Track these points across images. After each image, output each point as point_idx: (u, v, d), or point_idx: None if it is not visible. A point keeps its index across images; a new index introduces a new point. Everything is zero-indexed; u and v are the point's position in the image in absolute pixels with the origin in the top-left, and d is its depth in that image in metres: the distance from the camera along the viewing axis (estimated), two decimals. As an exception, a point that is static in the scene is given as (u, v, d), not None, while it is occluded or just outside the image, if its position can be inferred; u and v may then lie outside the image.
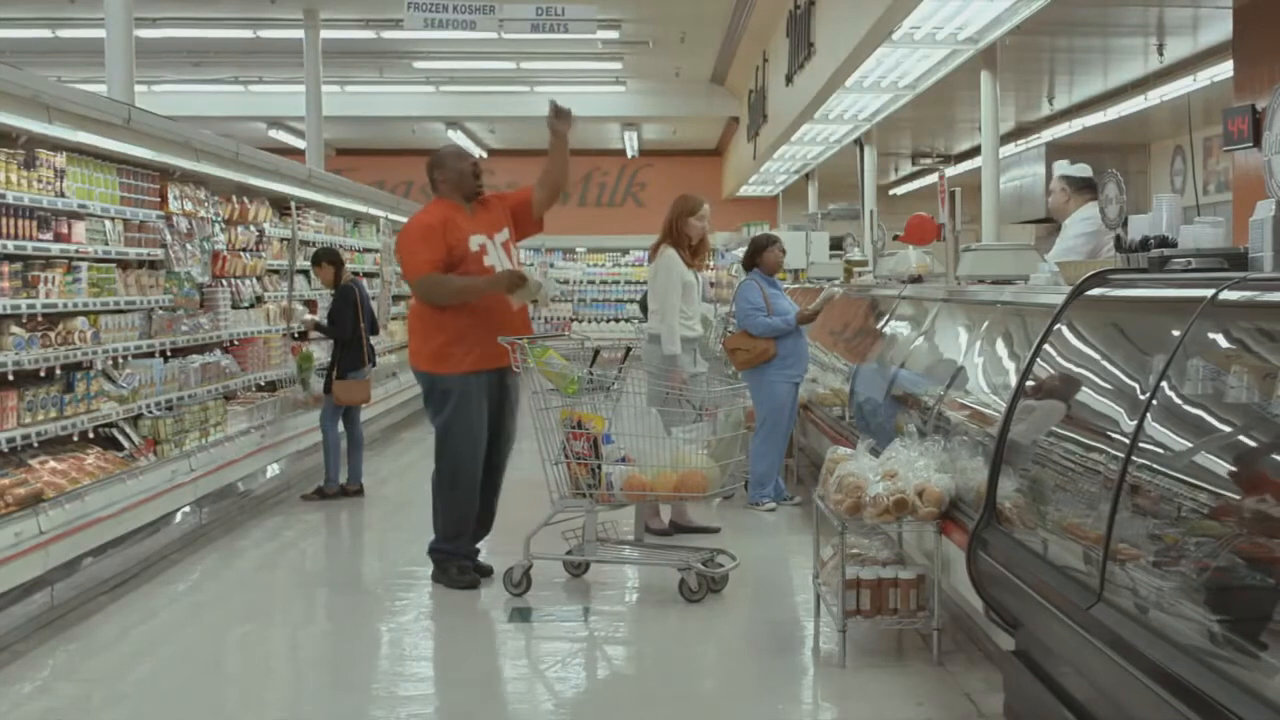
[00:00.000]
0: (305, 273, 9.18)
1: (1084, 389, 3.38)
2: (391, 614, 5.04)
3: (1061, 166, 5.74)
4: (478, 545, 5.50)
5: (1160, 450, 2.75)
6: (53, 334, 5.19)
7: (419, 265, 5.30)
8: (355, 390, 7.46)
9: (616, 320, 20.80)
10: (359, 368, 7.52)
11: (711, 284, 10.29)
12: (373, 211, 11.19)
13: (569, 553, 5.35)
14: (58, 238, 5.30)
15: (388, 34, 13.07)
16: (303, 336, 8.26)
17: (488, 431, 5.35)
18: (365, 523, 7.26)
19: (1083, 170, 5.68)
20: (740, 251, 11.09)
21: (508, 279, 5.25)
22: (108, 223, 5.76)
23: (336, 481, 7.48)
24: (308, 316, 8.14)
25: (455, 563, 5.33)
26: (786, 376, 6.93)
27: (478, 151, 20.65)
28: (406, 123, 18.29)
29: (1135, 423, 2.84)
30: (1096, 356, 3.49)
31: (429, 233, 5.31)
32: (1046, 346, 3.65)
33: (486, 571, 5.41)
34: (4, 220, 4.85)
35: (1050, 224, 12.05)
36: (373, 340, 7.85)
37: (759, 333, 6.92)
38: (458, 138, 19.10)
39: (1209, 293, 2.81)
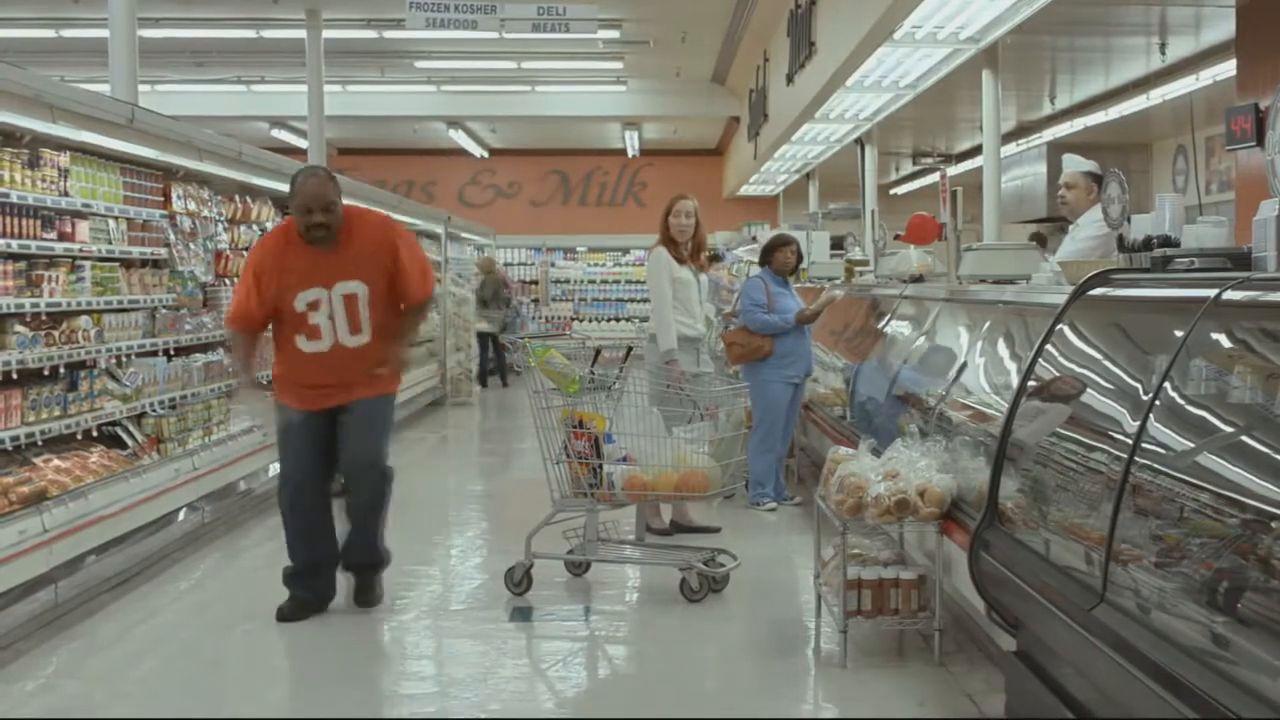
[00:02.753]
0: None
1: (1086, 389, 3.38)
2: (392, 613, 5.04)
3: (1075, 161, 5.68)
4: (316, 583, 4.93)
5: (1163, 451, 2.76)
6: (56, 333, 5.20)
7: (231, 314, 5.04)
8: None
9: (617, 320, 20.81)
10: None
11: (724, 286, 10.26)
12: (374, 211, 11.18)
13: (570, 552, 5.35)
14: (61, 237, 5.30)
15: (389, 34, 13.09)
16: None
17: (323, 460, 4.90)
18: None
19: (1095, 166, 5.65)
20: (741, 251, 11.11)
21: (243, 388, 4.95)
22: (111, 222, 5.77)
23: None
24: None
25: (295, 582, 4.90)
26: (783, 376, 6.94)
27: (478, 152, 20.67)
28: (408, 122, 18.31)
29: (1138, 423, 2.84)
30: (1099, 357, 3.49)
31: (250, 277, 4.82)
32: (1048, 346, 3.66)
33: (311, 604, 4.87)
34: (8, 219, 4.85)
35: (1051, 223, 12.07)
36: None
37: (756, 329, 6.94)
38: (459, 137, 19.11)
39: (1212, 293, 2.81)
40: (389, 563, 5.10)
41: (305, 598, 4.87)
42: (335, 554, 4.97)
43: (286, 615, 4.80)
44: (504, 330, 15.53)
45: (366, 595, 4.99)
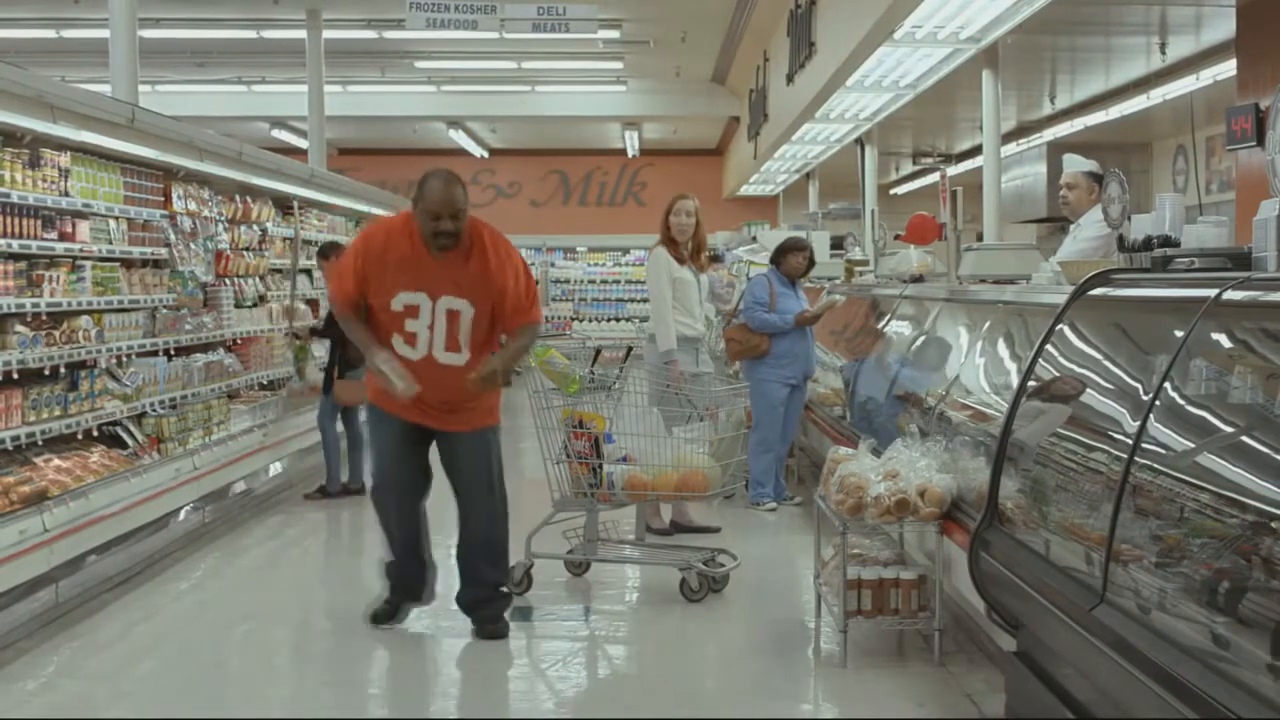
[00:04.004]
0: (308, 272, 9.19)
1: (1086, 389, 3.38)
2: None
3: (1076, 161, 5.68)
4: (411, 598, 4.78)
5: (1163, 451, 2.76)
6: (57, 333, 5.20)
7: (332, 293, 4.73)
8: (354, 390, 7.44)
9: (617, 320, 20.81)
10: (358, 367, 7.53)
11: (726, 285, 10.25)
12: (375, 211, 11.19)
13: (570, 552, 5.36)
14: (62, 237, 5.31)
15: (389, 34, 13.08)
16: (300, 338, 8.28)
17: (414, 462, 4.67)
18: (367, 521, 7.24)
19: (1096, 166, 5.65)
20: (741, 250, 11.11)
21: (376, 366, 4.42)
22: (112, 222, 5.77)
23: (339, 481, 7.49)
24: (299, 323, 8.13)
25: (392, 581, 4.78)
26: (780, 377, 6.94)
27: (478, 152, 20.66)
28: (408, 122, 18.30)
29: (1138, 423, 2.84)
30: (1099, 357, 3.50)
31: (351, 257, 4.58)
32: (1049, 347, 3.66)
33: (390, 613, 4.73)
34: (9, 219, 4.86)
35: (1053, 223, 12.08)
36: None
37: (755, 327, 6.96)
38: (459, 137, 19.11)
39: (1212, 293, 2.81)
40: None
41: (399, 594, 4.72)
42: (425, 549, 4.76)
43: (380, 618, 4.69)
44: None
45: (497, 637, 4.62)
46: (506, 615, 4.71)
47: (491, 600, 4.70)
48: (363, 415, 8.00)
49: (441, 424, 4.61)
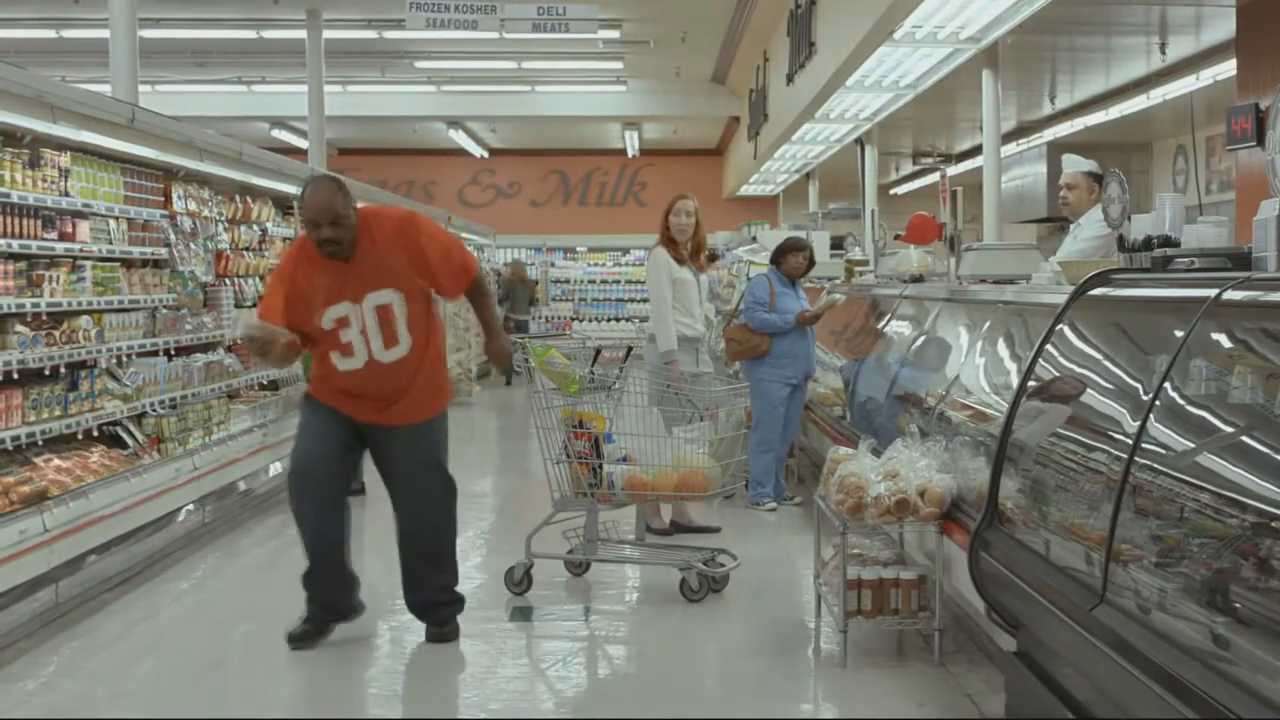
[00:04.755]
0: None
1: (1086, 389, 3.38)
2: (392, 612, 5.04)
3: (1075, 161, 5.69)
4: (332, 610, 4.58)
5: (1163, 451, 2.76)
6: (57, 333, 5.20)
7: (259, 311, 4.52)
8: None
9: (617, 320, 20.82)
10: None
11: (727, 286, 10.25)
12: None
13: (570, 552, 5.36)
14: (62, 237, 5.31)
15: (389, 34, 13.10)
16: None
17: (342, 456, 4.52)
18: (367, 521, 7.26)
19: (1095, 166, 5.66)
20: (741, 250, 11.11)
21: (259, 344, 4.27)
22: (112, 222, 5.77)
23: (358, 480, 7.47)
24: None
25: (310, 594, 4.55)
26: (780, 376, 6.94)
27: (478, 152, 20.67)
28: (408, 122, 18.32)
29: (1138, 423, 2.84)
30: (1099, 357, 3.50)
31: (275, 289, 4.42)
32: (1049, 347, 3.66)
33: (319, 628, 4.52)
34: (9, 219, 4.86)
35: (1053, 223, 12.08)
36: None
37: (756, 327, 6.96)
38: (459, 137, 19.11)
39: (1212, 293, 2.81)
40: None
41: (321, 611, 4.52)
42: (346, 553, 4.57)
43: (298, 639, 4.46)
44: (508, 330, 15.93)
45: (449, 640, 4.53)
46: (459, 619, 4.60)
47: (442, 604, 4.58)
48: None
49: (387, 417, 4.44)
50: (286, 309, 4.33)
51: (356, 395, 4.45)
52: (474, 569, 6.00)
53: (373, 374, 4.40)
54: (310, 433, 4.53)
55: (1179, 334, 2.85)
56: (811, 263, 7.26)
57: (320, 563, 4.51)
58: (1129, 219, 4.11)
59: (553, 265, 21.29)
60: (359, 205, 4.41)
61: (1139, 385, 3.02)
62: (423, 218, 4.54)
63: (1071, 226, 5.65)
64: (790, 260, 7.09)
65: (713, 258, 10.21)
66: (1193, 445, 2.71)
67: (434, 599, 4.60)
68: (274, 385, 7.98)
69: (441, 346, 4.62)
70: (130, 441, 5.80)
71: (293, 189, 8.57)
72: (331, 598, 4.55)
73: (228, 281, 7.30)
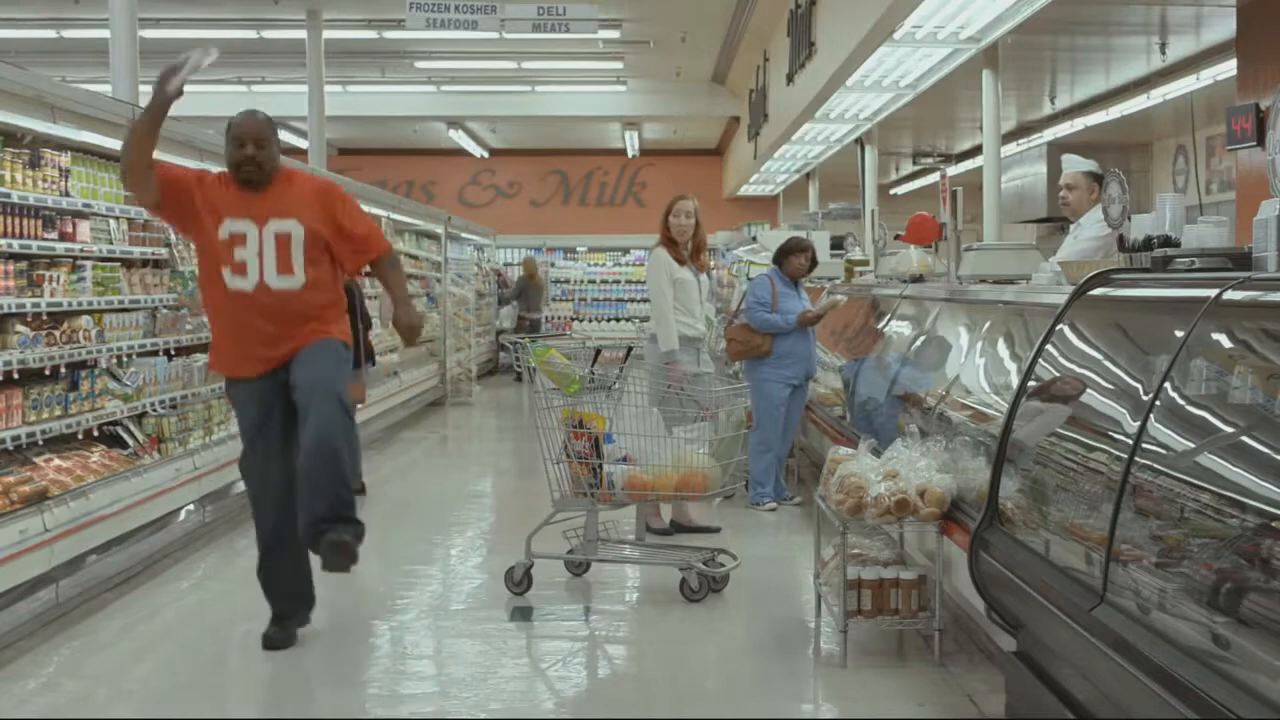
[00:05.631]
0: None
1: (1087, 389, 3.38)
2: (392, 612, 5.05)
3: (1075, 162, 5.69)
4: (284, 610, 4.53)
5: (1163, 451, 2.76)
6: (57, 332, 5.20)
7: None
8: (351, 390, 7.43)
9: (617, 320, 20.82)
10: (356, 368, 7.51)
11: (723, 285, 10.27)
12: (375, 211, 11.20)
13: (570, 552, 5.36)
14: (62, 237, 5.31)
15: (390, 34, 13.10)
16: None
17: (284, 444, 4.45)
18: (367, 521, 7.25)
19: (1095, 166, 5.66)
20: (741, 250, 11.11)
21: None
22: (112, 222, 5.77)
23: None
24: None
25: (266, 591, 4.53)
26: (781, 377, 6.95)
27: (478, 152, 20.67)
28: (408, 122, 18.32)
29: (1138, 423, 2.84)
30: (1099, 357, 3.50)
31: (185, 171, 4.56)
32: (1049, 347, 3.66)
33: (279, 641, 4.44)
34: (9, 219, 4.86)
35: (1053, 223, 12.07)
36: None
37: (757, 327, 6.97)
38: (459, 137, 19.11)
39: (1212, 293, 2.81)
40: (362, 530, 4.38)
41: (283, 606, 4.51)
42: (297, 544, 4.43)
43: (273, 641, 4.43)
44: (522, 329, 16.39)
45: (339, 556, 4.22)
46: (351, 538, 4.26)
47: (332, 520, 4.26)
48: (366, 414, 8.01)
49: (285, 355, 4.40)
50: (174, 180, 4.43)
51: (253, 336, 4.38)
52: (474, 569, 6.01)
53: (264, 299, 4.36)
54: (245, 425, 4.56)
55: (1179, 334, 2.85)
56: (814, 263, 7.27)
57: (270, 558, 4.53)
58: (1129, 219, 4.12)
59: (553, 265, 21.29)
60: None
61: (1139, 385, 3.02)
62: (346, 193, 4.63)
63: (1071, 227, 5.65)
64: (793, 261, 7.10)
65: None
66: (1193, 445, 2.71)
67: (325, 513, 4.28)
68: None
69: (342, 307, 4.59)
70: (130, 441, 5.80)
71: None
72: (285, 583, 4.54)
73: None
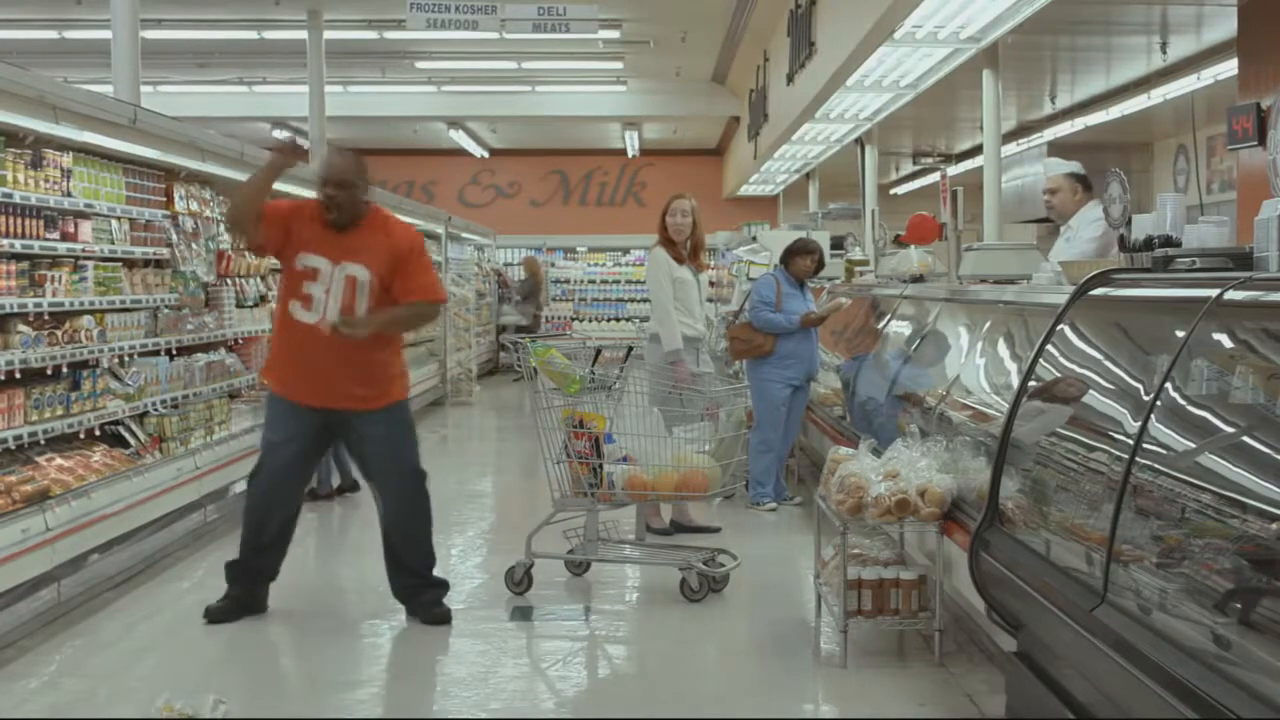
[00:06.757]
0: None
1: (1087, 389, 3.39)
2: (392, 611, 5.04)
3: (1056, 164, 5.71)
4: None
5: (1164, 451, 2.76)
6: (59, 332, 5.21)
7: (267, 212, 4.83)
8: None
9: (617, 320, 20.81)
10: None
11: (712, 283, 10.28)
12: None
13: (570, 552, 5.36)
14: (64, 237, 5.31)
15: (390, 34, 13.10)
16: None
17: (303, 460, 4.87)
18: (367, 520, 7.25)
19: (1077, 167, 5.67)
20: (741, 250, 11.11)
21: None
22: (114, 222, 5.78)
23: (329, 483, 7.48)
24: None
25: (234, 582, 4.89)
26: (782, 377, 6.95)
27: (478, 152, 20.67)
28: (408, 122, 18.31)
29: (1139, 424, 2.84)
30: (1100, 357, 3.50)
31: (285, 205, 4.89)
32: (1049, 347, 3.66)
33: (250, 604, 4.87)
34: (11, 219, 4.86)
35: (1052, 224, 12.06)
36: None
37: (760, 327, 6.97)
38: (459, 137, 19.11)
39: (1213, 293, 2.82)
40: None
41: (240, 597, 4.84)
42: (276, 569, 4.96)
43: (216, 616, 4.75)
44: (536, 326, 16.71)
45: (436, 612, 4.79)
46: (445, 601, 4.83)
47: (424, 588, 4.83)
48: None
49: (341, 401, 4.70)
50: (273, 220, 4.68)
51: (307, 366, 4.67)
52: (474, 568, 6.01)
53: (322, 336, 4.60)
54: (270, 440, 4.83)
55: (1180, 334, 2.85)
56: (821, 265, 7.28)
57: (246, 560, 4.89)
58: (1130, 219, 4.12)
59: (553, 265, 21.28)
60: (380, 207, 4.80)
61: (1140, 385, 3.03)
62: (424, 248, 4.92)
63: (1061, 229, 5.65)
64: (799, 262, 7.10)
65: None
66: (1194, 445, 2.72)
67: (418, 584, 4.85)
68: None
69: (398, 347, 4.94)
70: (132, 441, 5.81)
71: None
72: (249, 576, 4.89)
73: (229, 281, 7.30)
